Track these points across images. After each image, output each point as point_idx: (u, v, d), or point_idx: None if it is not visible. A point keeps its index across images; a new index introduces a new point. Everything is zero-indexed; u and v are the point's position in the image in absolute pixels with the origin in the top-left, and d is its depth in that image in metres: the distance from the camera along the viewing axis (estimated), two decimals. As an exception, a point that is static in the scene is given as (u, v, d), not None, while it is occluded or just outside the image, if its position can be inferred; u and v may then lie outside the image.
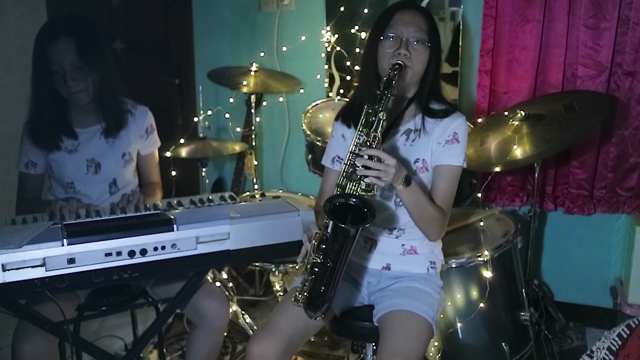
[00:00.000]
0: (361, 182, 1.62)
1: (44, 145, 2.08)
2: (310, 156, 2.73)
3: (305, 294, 1.62)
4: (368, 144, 1.63)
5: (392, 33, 1.77)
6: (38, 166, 2.13)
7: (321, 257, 1.58)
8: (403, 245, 1.88)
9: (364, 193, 1.62)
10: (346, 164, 1.67)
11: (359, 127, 1.68)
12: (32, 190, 2.15)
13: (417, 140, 1.83)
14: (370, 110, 1.66)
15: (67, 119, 2.10)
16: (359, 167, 1.59)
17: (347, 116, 1.90)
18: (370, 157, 1.59)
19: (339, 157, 1.94)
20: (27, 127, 2.11)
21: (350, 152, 1.67)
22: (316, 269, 1.59)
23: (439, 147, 1.81)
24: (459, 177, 1.85)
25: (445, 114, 1.83)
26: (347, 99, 2.43)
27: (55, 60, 1.95)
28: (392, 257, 1.88)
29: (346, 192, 1.64)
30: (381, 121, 1.64)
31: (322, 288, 1.59)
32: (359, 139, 1.67)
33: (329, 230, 1.57)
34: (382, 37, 1.78)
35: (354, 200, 1.60)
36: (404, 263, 1.88)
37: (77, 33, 1.96)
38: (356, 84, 1.91)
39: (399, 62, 1.72)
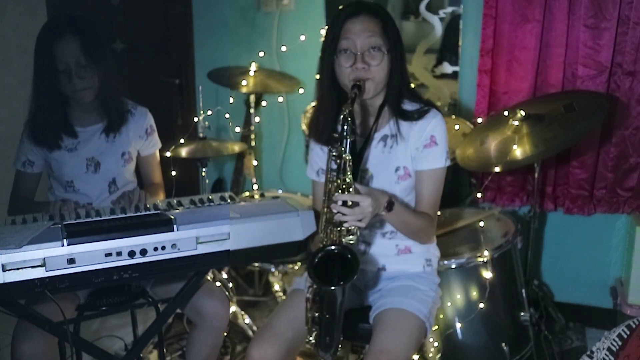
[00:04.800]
0: (342, 226, 1.61)
1: (45, 144, 2.08)
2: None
3: (313, 341, 1.70)
4: (339, 190, 1.59)
5: (345, 47, 1.70)
6: (35, 165, 2.13)
7: (318, 311, 1.63)
8: (397, 245, 1.87)
9: (347, 236, 1.61)
10: (324, 210, 1.65)
11: (327, 171, 1.66)
12: (27, 190, 2.15)
13: (395, 146, 1.79)
14: (335, 154, 1.62)
15: (68, 117, 2.11)
16: (335, 212, 1.58)
17: (315, 135, 1.87)
18: (344, 203, 1.56)
19: (322, 170, 1.90)
20: (27, 126, 2.11)
21: (325, 199, 1.65)
22: (317, 321, 1.66)
23: (418, 152, 1.77)
24: (444, 177, 1.82)
25: (420, 115, 1.77)
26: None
27: (61, 59, 1.96)
28: (387, 258, 1.88)
29: (328, 237, 1.63)
30: (347, 163, 1.59)
31: (327, 338, 1.66)
32: (330, 184, 1.64)
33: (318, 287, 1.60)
34: (335, 55, 1.72)
35: (335, 249, 1.59)
36: (400, 263, 1.88)
37: (80, 31, 1.98)
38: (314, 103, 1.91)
39: (357, 83, 1.66)
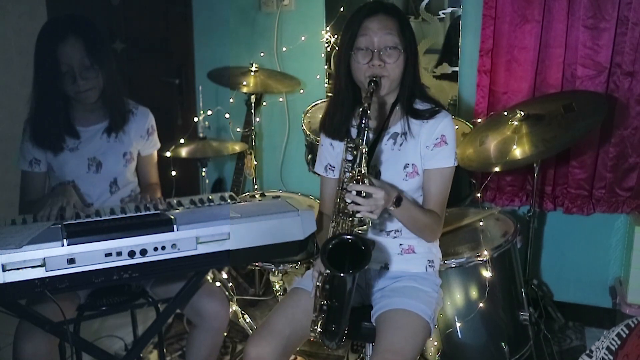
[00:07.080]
0: (354, 217, 1.64)
1: (46, 144, 2.08)
2: (310, 156, 2.73)
3: (318, 329, 1.68)
4: (354, 180, 1.61)
5: (363, 44, 1.74)
6: (42, 163, 2.12)
7: (327, 298, 1.63)
8: (401, 244, 1.88)
9: (358, 226, 1.65)
10: (337, 200, 1.69)
11: (342, 162, 1.69)
12: (36, 189, 2.14)
13: (405, 144, 1.82)
14: (352, 145, 1.65)
15: (70, 118, 2.11)
16: (349, 202, 1.60)
17: (328, 129, 1.90)
18: (359, 193, 1.59)
19: (330, 165, 1.94)
20: (28, 125, 2.10)
21: (339, 189, 1.69)
22: (325, 308, 1.65)
23: (428, 150, 1.80)
24: (452, 177, 1.85)
25: (431, 114, 1.80)
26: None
27: (64, 61, 1.95)
28: (390, 256, 1.89)
29: (340, 227, 1.66)
30: (363, 155, 1.62)
31: (334, 326, 1.65)
32: (344, 174, 1.67)
33: (330, 273, 1.60)
34: (352, 51, 1.75)
35: (349, 238, 1.60)
36: (402, 262, 1.89)
37: (82, 32, 1.97)
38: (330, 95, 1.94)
39: (374, 79, 1.70)
